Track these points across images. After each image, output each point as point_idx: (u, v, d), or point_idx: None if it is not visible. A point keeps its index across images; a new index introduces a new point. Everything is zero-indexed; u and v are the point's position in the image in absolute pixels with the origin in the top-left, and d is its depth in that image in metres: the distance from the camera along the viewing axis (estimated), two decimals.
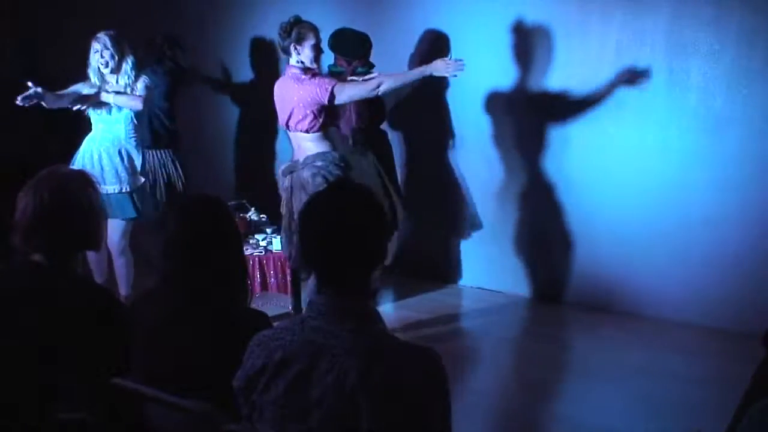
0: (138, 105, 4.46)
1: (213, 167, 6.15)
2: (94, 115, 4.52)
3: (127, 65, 4.49)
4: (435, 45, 5.22)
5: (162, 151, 5.14)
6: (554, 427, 3.62)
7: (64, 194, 2.22)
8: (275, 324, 1.94)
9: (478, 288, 5.35)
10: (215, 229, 2.18)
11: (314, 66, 4.07)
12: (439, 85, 5.23)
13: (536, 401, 3.93)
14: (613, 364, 4.20)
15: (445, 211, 5.43)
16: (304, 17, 4.09)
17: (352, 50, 4.71)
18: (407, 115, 5.40)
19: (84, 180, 2.33)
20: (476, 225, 5.36)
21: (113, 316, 2.19)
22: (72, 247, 2.28)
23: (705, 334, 4.54)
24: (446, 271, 5.46)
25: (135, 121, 4.59)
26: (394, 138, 5.34)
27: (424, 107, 5.38)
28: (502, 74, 5.07)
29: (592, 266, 4.94)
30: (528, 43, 4.96)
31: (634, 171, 4.77)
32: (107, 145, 4.52)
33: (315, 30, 4.03)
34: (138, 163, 4.59)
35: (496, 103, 5.13)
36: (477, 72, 5.11)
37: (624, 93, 4.74)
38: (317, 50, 4.04)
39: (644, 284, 4.80)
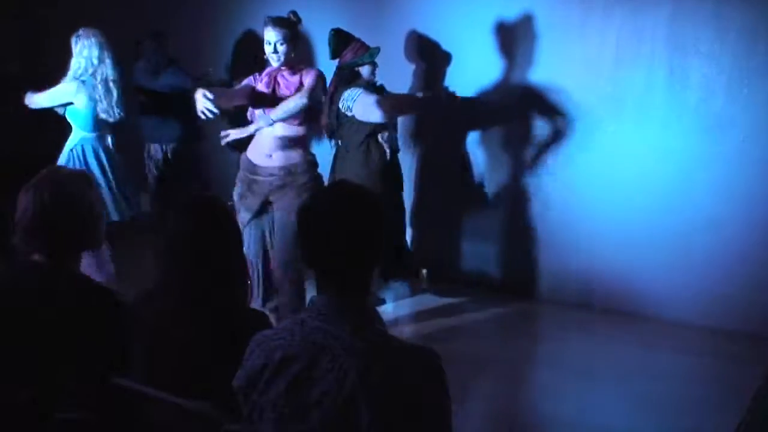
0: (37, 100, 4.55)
1: (213, 167, 6.14)
2: None
3: (76, 59, 4.49)
4: (430, 45, 5.23)
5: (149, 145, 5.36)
6: (553, 428, 3.61)
7: (63, 194, 2.22)
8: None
9: (478, 288, 5.34)
10: (215, 229, 2.19)
11: (275, 63, 4.01)
12: (434, 81, 5.23)
13: (535, 401, 3.93)
14: (613, 365, 4.20)
15: (443, 211, 5.43)
16: (304, 12, 4.11)
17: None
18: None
19: (84, 180, 2.34)
20: (475, 224, 5.36)
21: (114, 315, 2.19)
22: (72, 247, 2.28)
23: (706, 334, 4.54)
24: (445, 271, 5.46)
25: (88, 115, 4.54)
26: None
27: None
28: (501, 73, 5.07)
29: (592, 267, 4.94)
30: (528, 42, 4.95)
31: (634, 171, 4.77)
32: (70, 146, 4.57)
33: (269, 25, 3.97)
34: (92, 161, 4.53)
35: (495, 101, 5.13)
36: (477, 71, 5.12)
37: (624, 92, 4.74)
38: (273, 48, 3.97)
39: (645, 285, 4.80)
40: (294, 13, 4.11)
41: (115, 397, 2.02)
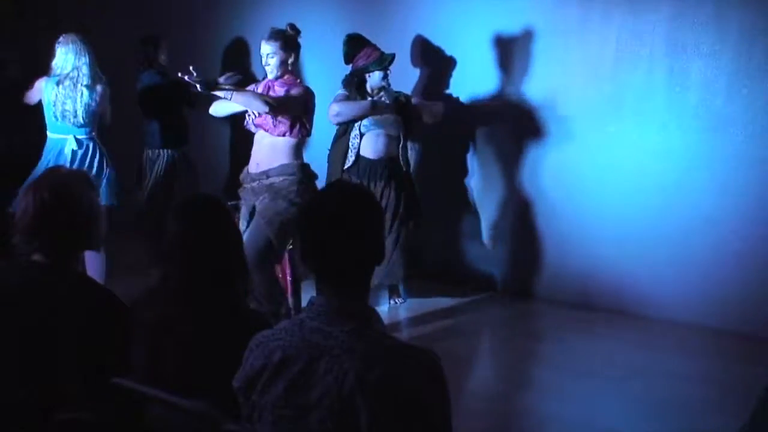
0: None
1: (212, 167, 6.15)
2: None
3: (54, 64, 4.58)
4: (430, 46, 5.23)
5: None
6: (553, 427, 3.61)
7: (63, 194, 2.21)
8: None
9: (478, 288, 5.34)
10: (215, 229, 2.19)
11: (270, 75, 4.06)
12: (436, 84, 5.23)
13: (534, 401, 3.93)
14: (612, 364, 4.20)
15: (443, 212, 5.43)
16: (299, 18, 4.10)
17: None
18: None
19: (84, 180, 2.34)
20: (475, 225, 5.37)
21: (113, 316, 2.19)
22: (72, 247, 2.28)
23: (706, 334, 4.54)
24: (444, 271, 5.46)
25: (51, 115, 4.59)
26: None
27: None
28: (501, 74, 5.07)
29: (591, 266, 4.94)
30: (528, 43, 4.96)
31: (633, 171, 4.78)
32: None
33: (264, 39, 4.02)
34: (47, 162, 4.57)
35: (495, 102, 5.13)
36: (477, 71, 5.13)
37: (624, 93, 4.75)
38: (265, 60, 4.03)
39: (644, 284, 4.80)
40: (291, 25, 4.13)
41: (115, 397, 2.02)
